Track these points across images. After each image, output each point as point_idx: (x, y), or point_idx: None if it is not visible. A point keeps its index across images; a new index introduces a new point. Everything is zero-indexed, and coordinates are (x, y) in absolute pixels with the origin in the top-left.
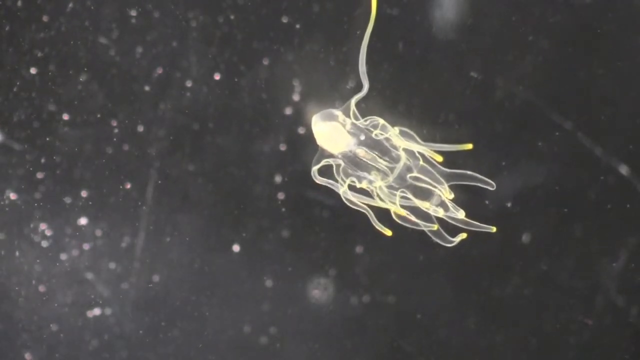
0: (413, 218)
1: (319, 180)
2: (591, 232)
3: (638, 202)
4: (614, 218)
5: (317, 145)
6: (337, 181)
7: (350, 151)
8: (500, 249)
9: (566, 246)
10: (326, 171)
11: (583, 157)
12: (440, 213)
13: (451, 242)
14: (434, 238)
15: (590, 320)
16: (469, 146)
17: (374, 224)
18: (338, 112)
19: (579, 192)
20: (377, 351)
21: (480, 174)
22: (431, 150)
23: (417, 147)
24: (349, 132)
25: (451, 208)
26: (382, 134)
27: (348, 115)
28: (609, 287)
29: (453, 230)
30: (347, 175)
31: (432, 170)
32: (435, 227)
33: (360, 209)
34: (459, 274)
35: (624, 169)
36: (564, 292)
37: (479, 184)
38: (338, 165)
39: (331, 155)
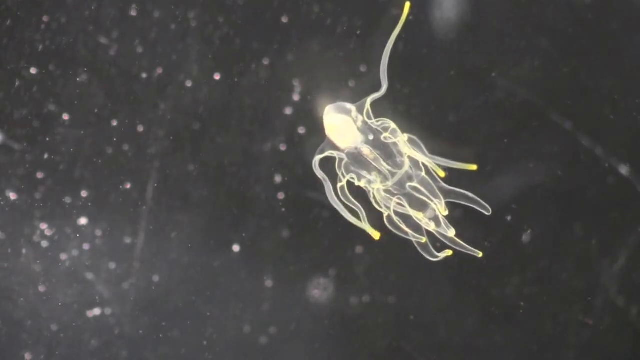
0: (404, 226)
1: (318, 171)
2: (591, 232)
3: (638, 202)
4: (614, 218)
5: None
6: (336, 175)
7: (356, 148)
8: (500, 248)
9: (566, 246)
10: (327, 166)
11: (583, 157)
12: (432, 227)
13: (436, 257)
14: (419, 249)
15: (590, 320)
16: (474, 167)
17: (365, 225)
18: (352, 107)
19: (579, 192)
20: (377, 351)
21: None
22: (435, 164)
23: (422, 158)
24: (359, 129)
25: (443, 224)
26: (390, 138)
27: (361, 113)
28: (609, 287)
29: (442, 245)
30: (348, 171)
31: (432, 184)
32: (424, 239)
33: (354, 207)
34: (459, 274)
35: (624, 169)
36: (564, 292)
37: (476, 207)
38: (341, 160)
39: (336, 148)
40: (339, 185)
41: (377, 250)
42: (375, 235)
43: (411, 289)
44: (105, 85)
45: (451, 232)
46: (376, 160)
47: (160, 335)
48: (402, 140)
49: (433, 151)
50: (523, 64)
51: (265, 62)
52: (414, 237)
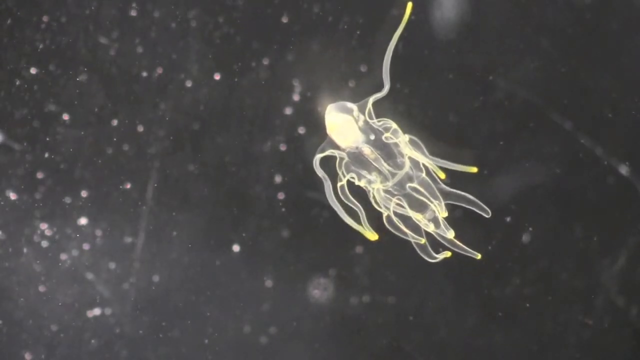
0: (402, 227)
1: (318, 170)
2: (591, 232)
3: (638, 202)
4: (614, 218)
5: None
6: (336, 174)
7: (357, 148)
8: (500, 248)
9: (566, 246)
10: (327, 165)
11: (583, 157)
12: (431, 228)
13: (434, 258)
14: (418, 251)
15: (590, 320)
16: (474, 169)
17: (363, 224)
18: (354, 107)
19: (579, 192)
20: (377, 351)
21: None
22: (436, 165)
23: (423, 159)
24: (360, 128)
25: (442, 226)
26: (392, 138)
27: (363, 112)
28: (609, 287)
29: (439, 246)
30: (349, 170)
31: (433, 185)
32: (423, 240)
33: (354, 207)
34: (459, 273)
35: (624, 169)
36: (564, 292)
37: (476, 209)
38: (341, 159)
39: (337, 148)
40: (339, 184)
41: (377, 250)
42: (371, 237)
43: (411, 289)
44: (105, 85)
45: (450, 234)
46: (377, 160)
47: (160, 335)
48: (403, 141)
49: (433, 151)
50: (523, 64)
51: (265, 62)
52: (412, 238)
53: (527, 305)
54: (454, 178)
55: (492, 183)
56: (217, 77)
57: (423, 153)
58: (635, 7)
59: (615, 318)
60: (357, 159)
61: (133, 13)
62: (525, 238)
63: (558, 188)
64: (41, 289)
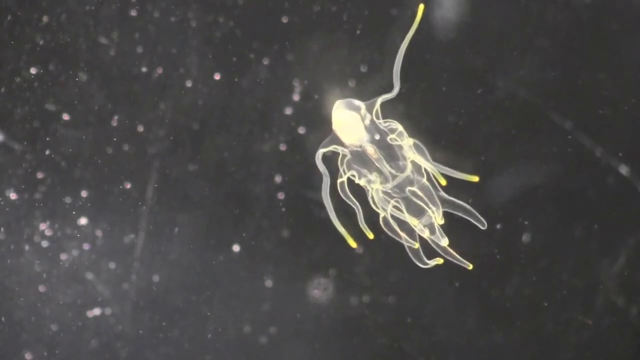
0: (398, 229)
1: (320, 164)
2: (591, 232)
3: (638, 202)
4: (614, 218)
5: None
6: (337, 172)
7: (361, 146)
8: (500, 248)
9: (566, 246)
10: (328, 162)
11: (583, 157)
12: (426, 234)
13: (426, 264)
14: (410, 255)
15: (590, 320)
16: (475, 178)
17: (360, 223)
18: (362, 105)
19: (579, 192)
20: (377, 351)
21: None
22: (438, 172)
23: (426, 164)
24: (366, 127)
25: (437, 233)
26: (396, 140)
27: (370, 112)
28: (609, 287)
29: (433, 252)
30: (350, 168)
31: (432, 191)
32: (416, 245)
33: (352, 205)
34: (459, 274)
35: (624, 169)
36: (564, 292)
37: (472, 220)
38: (344, 156)
39: (341, 144)
40: (339, 180)
41: (377, 250)
42: (353, 244)
43: (411, 289)
44: (105, 85)
45: (444, 242)
46: (379, 160)
47: (160, 335)
48: (407, 144)
49: (432, 151)
50: (523, 64)
51: (265, 62)
52: (406, 241)
53: (527, 305)
54: (454, 177)
55: (492, 183)
56: (217, 77)
57: (426, 158)
58: (635, 7)
59: (615, 318)
60: (360, 158)
61: (133, 13)
62: (525, 238)
63: (558, 188)
64: (41, 288)
